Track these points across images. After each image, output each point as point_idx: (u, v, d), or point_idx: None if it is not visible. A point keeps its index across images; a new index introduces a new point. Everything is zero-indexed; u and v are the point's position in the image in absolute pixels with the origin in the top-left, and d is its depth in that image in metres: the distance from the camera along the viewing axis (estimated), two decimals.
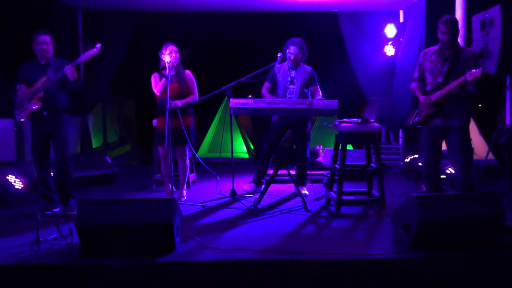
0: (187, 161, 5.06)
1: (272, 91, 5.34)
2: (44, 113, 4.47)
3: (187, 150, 5.07)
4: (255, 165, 5.69)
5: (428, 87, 4.32)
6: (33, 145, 4.60)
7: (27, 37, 4.58)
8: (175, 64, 4.79)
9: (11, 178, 5.01)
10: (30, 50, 4.65)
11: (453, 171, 5.39)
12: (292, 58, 5.20)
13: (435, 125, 4.26)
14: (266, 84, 5.34)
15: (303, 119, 5.25)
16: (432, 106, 4.22)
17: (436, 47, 4.32)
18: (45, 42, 4.49)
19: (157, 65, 4.91)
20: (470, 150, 4.30)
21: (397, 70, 7.20)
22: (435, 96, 4.18)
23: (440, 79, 4.20)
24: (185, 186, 5.19)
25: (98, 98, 7.63)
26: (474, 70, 3.90)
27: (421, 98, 4.29)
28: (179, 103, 4.82)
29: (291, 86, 5.27)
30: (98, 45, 4.39)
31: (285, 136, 5.38)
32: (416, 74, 4.45)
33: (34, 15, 6.22)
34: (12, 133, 5.64)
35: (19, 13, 6.24)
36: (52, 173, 4.73)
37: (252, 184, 5.49)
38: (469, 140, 4.30)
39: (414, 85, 4.45)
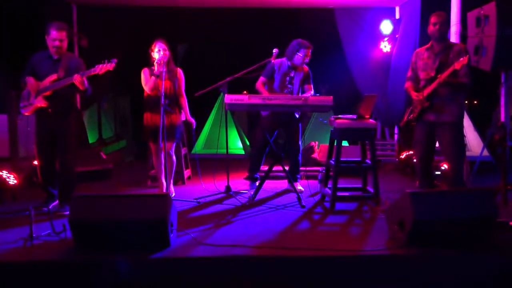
0: (174, 158, 5.05)
1: (268, 86, 5.30)
2: (50, 110, 4.37)
3: (174, 146, 5.04)
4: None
5: (421, 84, 4.38)
6: (37, 141, 4.52)
7: (20, 32, 4.52)
8: (164, 61, 4.76)
9: (4, 173, 4.99)
10: (25, 45, 4.60)
11: (447, 167, 5.42)
12: (307, 60, 5.17)
13: (428, 121, 4.31)
14: (262, 79, 5.26)
15: (294, 116, 5.24)
16: (425, 101, 4.27)
17: (427, 45, 4.39)
18: (59, 38, 4.31)
19: (149, 61, 4.90)
20: (462, 145, 4.33)
21: (392, 66, 7.21)
22: (427, 91, 4.24)
23: (432, 74, 4.25)
24: (171, 181, 5.16)
25: (94, 95, 7.59)
26: (461, 59, 3.95)
27: (414, 94, 4.36)
28: (191, 120, 5.06)
29: (290, 86, 5.24)
30: (114, 61, 4.23)
31: (276, 131, 5.36)
32: (409, 73, 4.53)
33: (28, 10, 6.18)
34: (5, 128, 5.62)
35: (13, 8, 6.21)
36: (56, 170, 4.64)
37: (249, 181, 5.48)
38: (462, 135, 4.33)
39: (407, 84, 4.52)
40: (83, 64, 4.51)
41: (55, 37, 4.31)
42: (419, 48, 4.54)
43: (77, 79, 4.20)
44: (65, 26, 4.40)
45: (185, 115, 5.02)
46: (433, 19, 4.26)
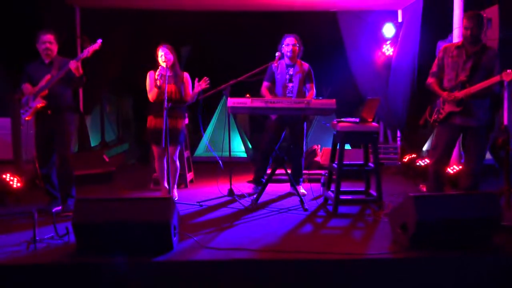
0: (177, 162, 5.04)
1: (271, 89, 5.30)
2: (49, 111, 4.47)
3: (177, 150, 5.04)
4: (254, 165, 5.66)
5: (448, 84, 4.21)
6: (37, 143, 4.61)
7: (24, 35, 4.56)
8: (168, 65, 4.74)
9: (8, 176, 5.00)
10: (28, 48, 4.64)
11: (451, 171, 5.42)
12: (291, 48, 5.12)
13: (454, 124, 4.18)
14: (265, 83, 5.28)
15: (300, 118, 5.23)
16: (456, 104, 4.12)
17: (458, 43, 4.24)
18: (48, 41, 4.49)
19: (154, 64, 4.90)
20: (485, 149, 4.27)
21: (392, 69, 7.20)
22: (461, 94, 4.06)
23: (463, 77, 4.10)
24: (175, 186, 5.17)
25: (96, 97, 7.62)
26: (510, 71, 3.81)
27: (444, 94, 4.18)
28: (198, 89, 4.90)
29: (290, 84, 5.23)
30: (99, 41, 4.38)
31: (283, 135, 5.37)
32: (434, 69, 4.33)
33: (32, 13, 6.20)
34: (9, 131, 5.64)
35: (17, 11, 6.22)
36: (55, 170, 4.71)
37: (251, 185, 5.47)
38: (487, 140, 4.26)
39: (431, 80, 4.33)
40: None
41: (44, 40, 4.48)
42: (448, 44, 4.36)
43: (72, 64, 4.34)
44: (51, 30, 4.56)
45: (195, 93, 4.94)
46: (464, 22, 4.09)
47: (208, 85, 4.88)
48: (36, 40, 4.51)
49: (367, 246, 3.53)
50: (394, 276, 3.25)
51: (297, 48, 5.18)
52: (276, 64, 5.15)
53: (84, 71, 4.45)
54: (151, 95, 4.80)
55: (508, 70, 3.83)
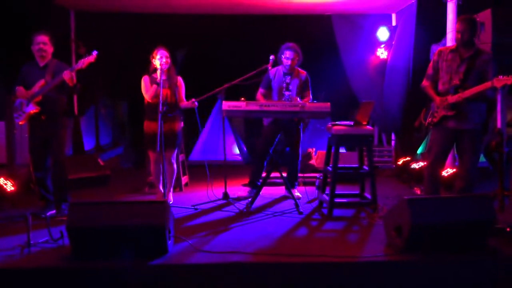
0: (175, 165, 5.05)
1: (267, 96, 5.30)
2: (42, 117, 4.46)
3: (175, 154, 5.05)
4: (249, 168, 5.66)
5: (442, 87, 4.23)
6: (30, 148, 4.58)
7: (18, 38, 4.55)
8: (165, 69, 4.77)
9: (1, 180, 4.98)
10: (22, 52, 4.62)
11: (445, 174, 5.45)
12: (289, 63, 5.12)
13: (448, 127, 4.20)
14: (261, 90, 5.29)
15: (295, 122, 5.24)
16: (450, 108, 4.14)
17: (452, 46, 4.25)
18: (42, 42, 4.46)
19: (149, 68, 4.91)
20: (479, 151, 4.29)
21: (387, 72, 7.23)
22: (454, 99, 4.09)
23: (456, 81, 4.11)
24: (171, 189, 5.16)
25: (91, 100, 7.61)
26: (501, 77, 3.81)
27: (437, 99, 4.21)
28: (192, 102, 4.93)
29: (287, 93, 5.23)
30: (94, 53, 4.33)
31: (277, 139, 5.37)
32: (429, 71, 4.35)
33: (26, 16, 6.18)
34: (3, 135, 5.62)
35: (11, 14, 6.21)
36: (49, 175, 4.69)
37: (247, 188, 5.47)
38: (480, 143, 4.27)
39: (426, 83, 4.35)
40: (69, 67, 4.59)
41: (38, 41, 4.46)
42: (443, 47, 4.39)
43: (67, 75, 4.30)
44: (46, 32, 4.54)
45: (187, 105, 4.97)
46: (457, 26, 4.12)
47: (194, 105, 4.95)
48: (31, 42, 4.47)
49: (361, 249, 3.54)
50: (388, 279, 3.26)
51: (296, 61, 5.19)
52: (271, 68, 5.16)
53: (78, 76, 4.43)
54: (149, 93, 4.80)
55: (499, 76, 3.84)
